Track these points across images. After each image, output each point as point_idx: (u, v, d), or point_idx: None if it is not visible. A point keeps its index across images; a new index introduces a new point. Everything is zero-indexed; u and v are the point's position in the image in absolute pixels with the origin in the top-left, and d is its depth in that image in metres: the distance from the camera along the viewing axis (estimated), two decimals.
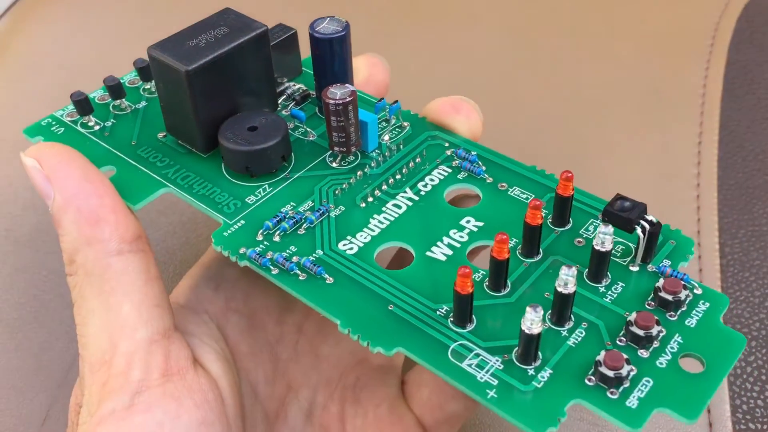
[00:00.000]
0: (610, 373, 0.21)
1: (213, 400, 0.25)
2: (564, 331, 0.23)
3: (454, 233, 0.26)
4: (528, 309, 0.21)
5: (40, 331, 0.32)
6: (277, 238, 0.26)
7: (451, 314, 0.23)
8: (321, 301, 0.24)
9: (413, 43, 0.46)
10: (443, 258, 0.25)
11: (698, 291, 0.24)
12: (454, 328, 0.23)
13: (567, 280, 0.22)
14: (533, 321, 0.21)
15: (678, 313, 0.23)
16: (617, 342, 0.22)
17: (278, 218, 0.26)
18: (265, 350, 0.29)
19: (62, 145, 0.27)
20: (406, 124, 0.30)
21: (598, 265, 0.24)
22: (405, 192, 0.27)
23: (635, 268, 0.24)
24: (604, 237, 0.23)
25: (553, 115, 0.41)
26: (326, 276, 0.24)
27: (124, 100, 0.31)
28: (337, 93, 0.27)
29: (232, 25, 0.28)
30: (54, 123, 0.30)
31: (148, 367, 0.24)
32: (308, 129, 0.30)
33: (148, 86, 0.32)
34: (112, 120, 0.30)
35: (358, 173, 0.28)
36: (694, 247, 0.25)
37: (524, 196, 0.27)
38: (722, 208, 0.36)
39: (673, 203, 0.36)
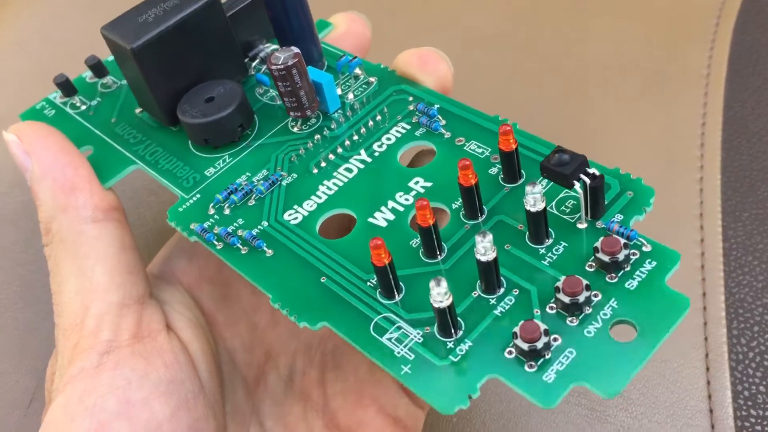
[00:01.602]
0: (525, 346, 0.20)
1: (184, 362, 0.26)
2: (493, 299, 0.22)
3: (400, 196, 0.25)
4: (431, 284, 0.20)
5: (25, 310, 0.33)
6: (227, 211, 0.26)
7: (379, 290, 0.23)
8: (256, 274, 0.24)
9: (412, 17, 0.44)
10: (384, 224, 0.24)
11: (647, 248, 0.22)
12: (382, 300, 0.22)
13: (485, 247, 0.21)
14: (439, 294, 0.20)
15: (619, 274, 0.21)
16: (547, 310, 0.21)
17: (229, 190, 0.26)
18: (241, 319, 0.29)
19: (42, 123, 0.28)
20: (372, 79, 0.29)
21: (534, 226, 0.22)
22: (359, 154, 0.27)
23: (583, 226, 0.23)
24: (534, 197, 0.21)
25: (552, 97, 0.39)
26: (266, 249, 0.24)
27: (109, 77, 0.32)
28: (280, 57, 0.26)
29: None
30: (48, 106, 0.32)
31: (117, 329, 0.25)
32: (275, 93, 0.29)
33: None
34: (98, 99, 0.31)
35: (316, 137, 0.27)
36: (652, 198, 0.23)
37: (480, 150, 0.25)
38: (726, 191, 0.34)
39: (675, 185, 0.35)
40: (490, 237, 0.20)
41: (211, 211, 0.26)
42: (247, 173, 0.27)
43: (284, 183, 0.26)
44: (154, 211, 0.36)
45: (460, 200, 0.24)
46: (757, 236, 0.33)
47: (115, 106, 0.31)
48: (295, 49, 0.26)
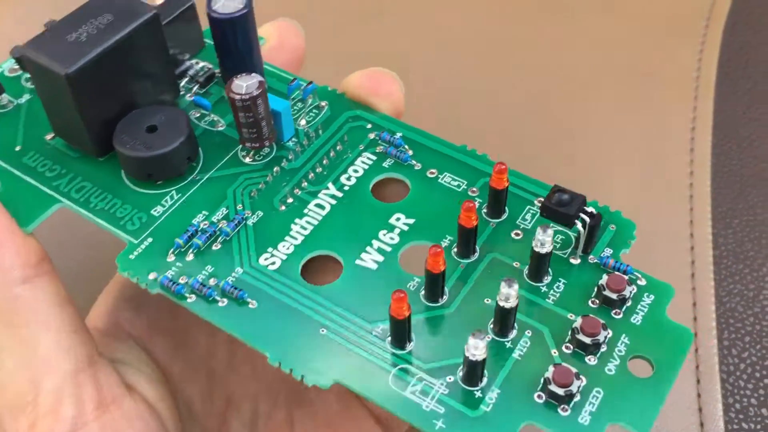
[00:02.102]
0: (560, 391, 0.20)
1: (155, 427, 0.23)
2: (508, 342, 0.21)
3: (384, 235, 0.24)
4: (471, 338, 0.19)
5: None
6: (190, 257, 0.23)
7: (389, 335, 0.22)
8: (245, 330, 0.22)
9: (354, 29, 0.42)
10: (374, 266, 0.23)
11: (642, 282, 0.23)
12: (393, 350, 0.21)
13: (509, 295, 0.20)
14: (477, 347, 0.19)
15: (623, 309, 0.22)
16: (564, 350, 0.21)
17: (189, 233, 0.24)
18: (199, 367, 0.27)
19: None
20: (323, 103, 0.27)
21: (538, 266, 0.22)
22: (327, 188, 0.25)
23: (576, 261, 0.23)
24: (544, 239, 0.21)
25: (537, 100, 0.38)
26: (249, 300, 0.22)
27: (5, 95, 0.27)
28: (242, 86, 0.24)
29: (117, 10, 0.24)
30: None
31: (80, 401, 0.22)
32: (216, 117, 0.27)
33: None
34: None
35: (275, 169, 0.25)
36: (635, 230, 0.24)
37: (455, 183, 0.25)
38: (716, 197, 0.33)
39: (664, 191, 0.34)
40: (516, 286, 0.20)
41: (171, 258, 0.23)
42: (204, 212, 0.24)
43: (250, 222, 0.24)
44: (78, 252, 0.31)
45: (449, 238, 0.24)
46: (747, 243, 0.32)
47: (16, 132, 0.27)
48: (258, 77, 0.24)
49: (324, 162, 0.26)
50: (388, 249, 0.24)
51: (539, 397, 0.20)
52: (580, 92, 0.38)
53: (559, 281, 0.23)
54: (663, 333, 0.21)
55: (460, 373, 0.21)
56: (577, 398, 0.20)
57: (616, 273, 0.22)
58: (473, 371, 0.20)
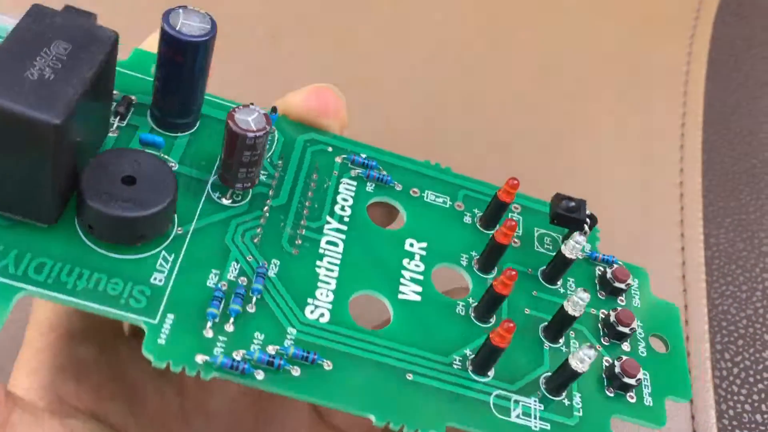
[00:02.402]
0: (632, 381, 0.22)
1: None
2: (561, 346, 0.23)
3: (408, 263, 0.23)
4: (586, 349, 0.20)
5: None
6: (230, 327, 0.20)
7: (470, 364, 0.21)
8: (336, 396, 0.20)
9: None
10: (417, 298, 0.22)
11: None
12: (479, 379, 0.21)
13: (576, 302, 0.22)
14: (589, 358, 0.21)
15: (624, 296, 0.25)
16: (603, 342, 0.23)
17: (217, 299, 0.20)
18: (152, 425, 0.23)
19: None
20: (272, 128, 0.25)
21: (562, 322, 0.23)
22: (329, 223, 0.23)
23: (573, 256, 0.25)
24: (580, 303, 0.22)
25: (522, 97, 0.36)
26: (324, 361, 0.20)
27: None
28: (249, 121, 0.21)
29: (69, 36, 0.19)
30: None
31: None
32: (166, 156, 0.23)
33: None
34: None
35: (264, 209, 0.23)
36: (597, 224, 0.26)
37: (440, 200, 0.25)
38: (707, 195, 0.32)
39: (654, 190, 0.33)
40: (593, 352, 0.21)
41: (210, 333, 0.20)
42: (214, 270, 0.21)
43: (271, 274, 0.21)
44: None
45: (465, 256, 0.24)
46: (740, 243, 0.31)
47: None
48: (259, 109, 0.21)
49: (309, 195, 0.24)
50: (420, 277, 0.23)
51: (609, 391, 0.22)
52: (565, 90, 0.37)
53: (569, 280, 0.25)
54: (658, 311, 0.25)
55: (543, 387, 0.22)
56: (636, 384, 0.23)
57: (616, 266, 0.25)
58: (568, 382, 0.21)
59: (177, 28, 0.21)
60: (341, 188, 0.24)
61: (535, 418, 0.21)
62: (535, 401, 0.21)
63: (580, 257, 0.24)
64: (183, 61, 0.21)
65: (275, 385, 0.19)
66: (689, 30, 0.38)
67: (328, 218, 0.23)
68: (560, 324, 0.22)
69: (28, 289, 0.19)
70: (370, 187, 0.25)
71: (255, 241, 0.22)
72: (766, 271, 0.30)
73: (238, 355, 0.19)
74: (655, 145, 0.35)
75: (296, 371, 0.20)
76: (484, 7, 0.40)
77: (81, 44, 0.19)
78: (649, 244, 0.28)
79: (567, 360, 0.21)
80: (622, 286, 0.24)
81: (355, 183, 0.24)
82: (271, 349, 0.20)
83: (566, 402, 0.22)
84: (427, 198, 0.25)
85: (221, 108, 0.24)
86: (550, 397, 0.22)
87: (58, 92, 0.18)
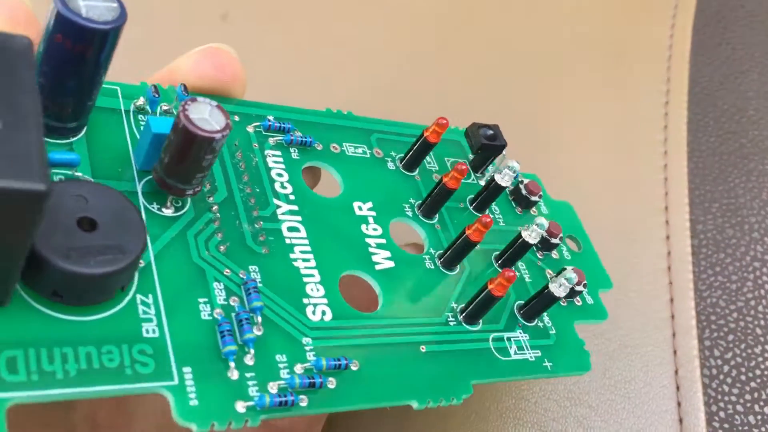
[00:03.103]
0: (581, 287, 0.24)
1: None
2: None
3: (366, 229, 0.22)
4: (568, 272, 0.22)
5: None
6: (250, 360, 0.17)
7: (461, 316, 0.21)
8: (376, 394, 0.19)
9: None
10: (391, 264, 0.22)
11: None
12: (472, 328, 0.22)
13: (564, 283, 0.22)
14: (565, 282, 0.22)
15: (536, 209, 0.26)
16: (538, 256, 0.25)
17: (225, 333, 0.17)
18: None
19: None
20: (169, 107, 0.21)
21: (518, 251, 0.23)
22: (279, 206, 0.21)
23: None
24: (537, 230, 0.23)
25: (495, 77, 0.31)
26: (352, 362, 0.19)
27: None
28: (208, 120, 0.17)
29: None
30: None
31: None
32: (79, 174, 0.18)
33: None
34: None
35: (213, 209, 0.20)
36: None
37: (360, 150, 0.24)
38: (693, 179, 0.30)
39: (636, 175, 0.30)
40: (574, 276, 0.22)
41: (235, 375, 0.17)
42: (201, 299, 0.18)
43: (258, 284, 0.19)
44: None
45: (407, 205, 0.23)
46: (729, 230, 0.28)
47: None
48: (208, 100, 0.18)
49: (245, 179, 0.21)
50: (384, 241, 0.22)
51: (563, 301, 0.24)
52: (542, 68, 0.33)
53: (493, 206, 0.25)
54: (560, 213, 0.27)
55: (520, 316, 0.23)
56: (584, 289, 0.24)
57: (527, 180, 0.26)
58: (547, 308, 0.22)
59: (84, 14, 0.16)
60: (270, 162, 0.21)
61: (527, 348, 0.22)
62: (521, 333, 0.22)
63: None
64: (88, 52, 0.17)
65: (321, 405, 0.18)
66: (672, 1, 0.36)
67: (276, 201, 0.21)
68: (516, 252, 0.23)
69: (15, 396, 0.15)
70: (294, 154, 0.22)
71: (221, 249, 0.19)
72: (757, 260, 0.28)
73: (274, 388, 0.17)
74: (636, 125, 0.32)
75: (332, 383, 0.18)
76: None
77: (2, 63, 0.14)
78: (631, 233, 0.26)
79: (547, 287, 0.22)
80: (536, 198, 0.26)
81: (279, 152, 0.22)
82: (300, 368, 0.18)
83: (540, 324, 0.23)
84: (348, 152, 0.23)
85: (106, 94, 0.20)
86: (529, 324, 0.23)
87: (20, 144, 0.13)
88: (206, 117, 0.17)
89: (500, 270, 0.23)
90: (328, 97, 0.26)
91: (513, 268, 0.23)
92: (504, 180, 0.24)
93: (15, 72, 0.14)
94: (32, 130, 0.13)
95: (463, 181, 0.25)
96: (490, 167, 0.26)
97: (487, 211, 0.25)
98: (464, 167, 0.22)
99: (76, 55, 0.17)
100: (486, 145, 0.24)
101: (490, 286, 0.21)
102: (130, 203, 0.17)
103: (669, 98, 0.33)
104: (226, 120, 0.17)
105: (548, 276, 0.24)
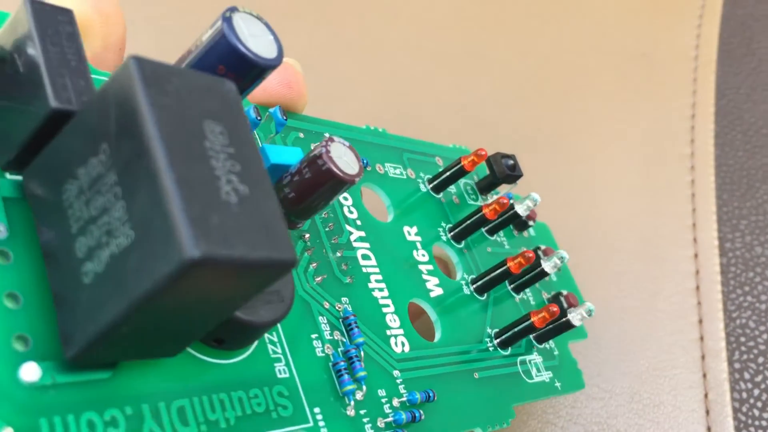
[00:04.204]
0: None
1: None
2: (524, 296, 0.26)
3: (417, 254, 0.23)
4: (582, 307, 0.24)
5: None
6: (360, 396, 0.18)
7: (497, 341, 0.23)
8: (455, 423, 0.20)
9: None
10: (440, 291, 0.23)
11: None
12: (504, 353, 0.23)
13: (583, 315, 0.24)
14: (585, 315, 0.24)
15: (528, 231, 0.28)
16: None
17: (340, 372, 0.18)
18: None
19: None
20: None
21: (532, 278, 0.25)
22: (351, 233, 0.21)
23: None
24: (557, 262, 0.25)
25: (521, 84, 0.30)
26: (434, 394, 0.20)
27: None
28: (346, 160, 0.17)
29: (203, 106, 0.13)
30: None
31: None
32: None
33: None
34: None
35: (305, 237, 0.20)
36: None
37: (398, 171, 0.24)
38: (721, 195, 0.29)
39: (663, 190, 0.29)
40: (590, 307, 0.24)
41: (352, 413, 0.18)
42: (312, 336, 0.18)
43: (350, 315, 0.19)
44: None
45: (440, 228, 0.24)
46: (758, 248, 0.27)
47: None
48: (345, 141, 0.18)
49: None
50: (431, 267, 0.23)
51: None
52: (565, 80, 0.31)
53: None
54: (539, 235, 0.29)
55: (534, 339, 0.25)
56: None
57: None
58: (560, 334, 0.25)
59: (249, 47, 0.16)
60: None
61: (543, 370, 0.24)
62: (536, 355, 0.24)
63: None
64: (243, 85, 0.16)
65: None
66: (697, 10, 0.34)
67: (348, 227, 0.21)
68: (532, 279, 0.25)
69: None
70: None
71: (318, 281, 0.19)
72: None
73: (382, 423, 0.18)
74: (662, 139, 0.31)
75: (422, 415, 0.19)
76: None
77: (225, 117, 0.13)
78: (658, 251, 0.26)
79: (567, 317, 0.24)
80: (532, 222, 0.28)
81: None
82: (396, 402, 0.19)
83: (547, 347, 0.25)
84: (390, 173, 0.24)
85: None
86: (540, 346, 0.25)
87: (267, 213, 0.13)
88: (344, 158, 0.17)
89: (514, 294, 0.25)
90: (342, 110, 0.27)
91: (522, 293, 0.26)
92: (522, 209, 0.25)
93: (236, 122, 0.13)
94: (272, 195, 0.13)
95: (472, 203, 0.26)
96: (495, 193, 0.27)
97: (495, 236, 0.26)
98: (506, 201, 0.24)
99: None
100: (508, 175, 0.26)
101: (533, 318, 0.23)
102: None
103: (695, 111, 0.32)
104: (360, 163, 0.18)
105: (561, 298, 0.26)
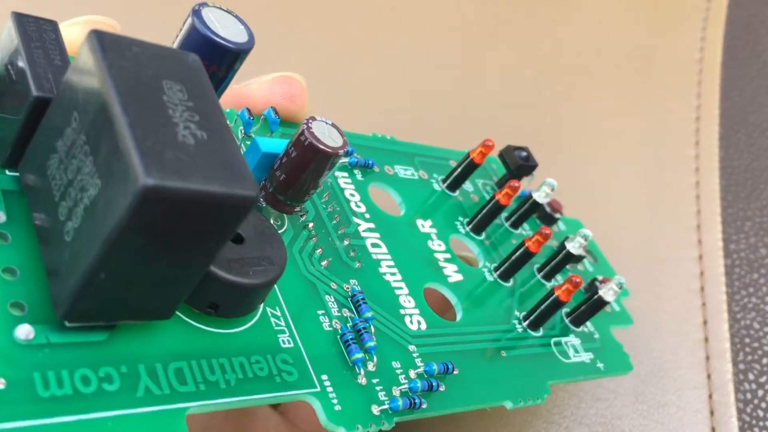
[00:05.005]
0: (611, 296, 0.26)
1: None
2: (553, 282, 0.26)
3: (432, 244, 0.23)
4: (612, 282, 0.23)
5: None
6: (372, 367, 0.18)
7: (526, 323, 0.23)
8: (477, 397, 0.20)
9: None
10: (460, 277, 0.23)
11: None
12: (535, 334, 0.23)
13: (614, 288, 0.24)
14: (616, 288, 0.24)
15: (557, 225, 0.28)
16: (567, 268, 0.27)
17: (351, 341, 0.18)
18: None
19: None
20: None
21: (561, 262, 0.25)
22: (359, 225, 0.22)
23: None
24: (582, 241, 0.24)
25: (525, 88, 0.30)
26: (455, 367, 0.20)
27: None
28: (329, 136, 0.18)
29: (164, 70, 0.14)
30: None
31: None
32: None
33: None
34: None
35: (309, 225, 0.20)
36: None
37: (409, 172, 0.25)
38: (725, 197, 0.29)
39: (667, 192, 0.29)
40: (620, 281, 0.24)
41: (364, 381, 0.18)
42: (319, 311, 0.18)
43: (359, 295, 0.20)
44: None
45: (458, 222, 0.25)
46: (762, 249, 0.27)
47: None
48: (327, 120, 0.19)
49: (325, 198, 0.21)
50: (448, 255, 0.23)
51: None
52: (569, 83, 0.32)
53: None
54: (573, 231, 0.29)
55: (569, 322, 0.24)
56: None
57: (549, 199, 0.28)
58: (595, 313, 0.24)
59: (223, 36, 0.17)
60: (340, 183, 0.22)
61: (582, 351, 0.24)
62: (573, 338, 0.24)
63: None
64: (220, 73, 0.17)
65: (439, 408, 0.19)
66: (702, 13, 0.35)
67: (355, 219, 0.22)
68: (560, 263, 0.25)
69: (191, 405, 0.15)
70: (359, 175, 0.23)
71: (324, 265, 0.19)
72: None
73: (397, 392, 0.18)
74: (667, 141, 0.31)
75: (443, 387, 0.19)
76: None
77: (185, 78, 0.14)
78: (663, 252, 0.26)
79: (598, 293, 0.24)
80: (558, 215, 0.28)
81: (346, 174, 0.23)
82: (413, 374, 0.19)
83: (585, 330, 0.25)
84: (400, 174, 0.25)
85: None
86: (577, 329, 0.24)
87: (227, 153, 0.14)
88: (327, 134, 0.18)
89: (544, 281, 0.25)
90: (351, 118, 0.27)
91: (554, 279, 0.25)
92: (541, 197, 0.25)
93: (198, 86, 0.14)
94: (232, 141, 0.14)
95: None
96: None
97: (519, 229, 0.26)
98: (517, 184, 0.24)
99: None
100: (522, 166, 0.26)
101: (557, 292, 0.22)
102: (264, 218, 0.17)
103: (700, 113, 0.32)
104: (343, 138, 0.18)
105: (596, 283, 0.26)
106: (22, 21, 0.16)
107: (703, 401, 0.26)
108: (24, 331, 0.14)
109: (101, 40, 0.14)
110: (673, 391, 0.26)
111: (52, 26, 0.16)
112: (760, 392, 0.25)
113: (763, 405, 0.25)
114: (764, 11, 0.35)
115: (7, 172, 0.16)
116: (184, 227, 0.13)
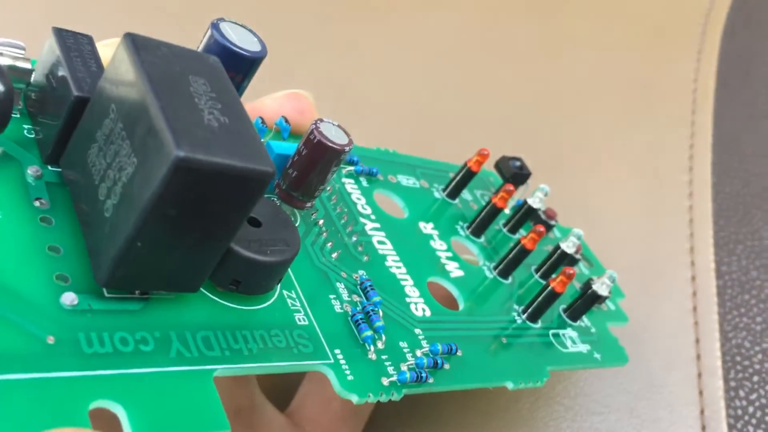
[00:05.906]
0: (606, 293, 0.27)
1: None
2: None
3: (434, 244, 0.25)
4: (604, 276, 0.25)
5: None
6: (381, 345, 0.20)
7: (525, 315, 0.24)
8: (480, 377, 0.21)
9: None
10: (462, 273, 0.24)
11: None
12: (534, 326, 0.24)
13: (606, 282, 0.25)
14: (608, 282, 0.25)
15: (551, 232, 0.30)
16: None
17: (361, 321, 0.20)
18: None
19: None
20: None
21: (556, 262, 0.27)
22: (365, 224, 0.23)
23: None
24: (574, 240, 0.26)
25: (523, 113, 0.32)
26: (458, 349, 0.21)
27: None
28: (336, 135, 0.20)
29: (190, 67, 0.16)
30: None
31: None
32: None
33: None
34: None
35: (320, 222, 0.22)
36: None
37: (411, 181, 0.27)
38: (718, 221, 0.30)
39: (661, 215, 0.30)
40: (612, 274, 0.25)
41: (374, 356, 0.19)
42: (331, 296, 0.20)
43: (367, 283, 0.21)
44: None
45: (458, 226, 0.26)
46: (753, 271, 0.28)
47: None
48: (334, 122, 0.20)
49: (333, 200, 0.23)
50: (450, 254, 0.25)
51: (595, 306, 0.27)
52: (566, 107, 0.34)
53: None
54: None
55: (566, 316, 0.26)
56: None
57: (544, 207, 0.29)
58: (591, 307, 0.26)
59: (240, 45, 0.19)
60: (348, 188, 0.24)
61: (579, 342, 0.25)
62: (571, 330, 0.25)
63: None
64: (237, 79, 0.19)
65: (444, 383, 0.20)
66: (696, 44, 0.36)
67: (362, 219, 0.23)
68: (555, 262, 0.26)
69: (218, 368, 0.16)
70: (364, 182, 0.25)
71: (334, 256, 0.21)
72: None
73: (405, 367, 0.19)
74: (662, 166, 0.33)
75: (447, 365, 0.20)
76: (483, 18, 0.37)
77: (208, 75, 0.16)
78: (657, 273, 0.27)
79: (591, 288, 0.25)
80: (553, 222, 0.29)
81: (352, 180, 0.25)
82: (419, 353, 0.20)
83: (582, 324, 0.26)
84: (402, 183, 0.26)
85: None
86: (574, 323, 0.26)
87: (246, 135, 0.15)
88: (334, 133, 0.20)
89: (541, 280, 0.26)
90: (355, 133, 0.29)
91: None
92: (536, 202, 0.27)
93: (219, 81, 0.16)
94: (251, 126, 0.16)
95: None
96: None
97: (516, 234, 0.28)
98: (512, 188, 0.25)
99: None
100: (516, 174, 0.28)
101: (552, 284, 0.24)
102: (279, 207, 0.19)
103: (694, 140, 0.33)
104: (349, 137, 0.20)
105: (576, 287, 0.28)
106: (62, 35, 0.18)
107: (695, 417, 0.26)
108: (69, 298, 0.15)
109: (134, 40, 0.16)
110: (665, 406, 0.27)
111: (88, 39, 0.18)
112: (750, 408, 0.26)
113: (753, 421, 0.26)
114: (756, 44, 0.36)
115: (50, 167, 0.18)
116: (210, 199, 0.15)
